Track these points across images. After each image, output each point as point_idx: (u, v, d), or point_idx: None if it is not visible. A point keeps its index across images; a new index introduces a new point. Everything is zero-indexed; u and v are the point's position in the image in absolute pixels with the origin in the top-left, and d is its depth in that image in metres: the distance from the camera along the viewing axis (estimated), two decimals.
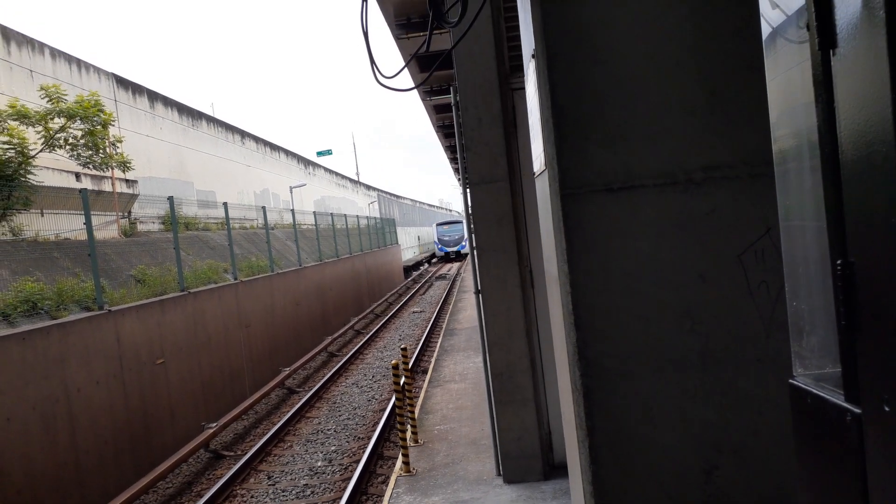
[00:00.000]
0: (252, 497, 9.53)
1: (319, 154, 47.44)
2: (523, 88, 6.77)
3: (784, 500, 2.85)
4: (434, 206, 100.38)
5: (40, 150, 13.76)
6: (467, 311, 21.98)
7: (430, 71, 4.87)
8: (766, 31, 1.86)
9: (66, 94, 14.24)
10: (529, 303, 6.94)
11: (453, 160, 29.05)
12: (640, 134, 2.88)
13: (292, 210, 26.24)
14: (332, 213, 31.24)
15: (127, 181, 18.60)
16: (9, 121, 13.23)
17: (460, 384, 11.99)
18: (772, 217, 2.83)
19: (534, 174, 3.90)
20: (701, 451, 2.88)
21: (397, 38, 10.97)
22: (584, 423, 2.92)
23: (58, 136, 14.18)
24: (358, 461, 10.09)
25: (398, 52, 12.05)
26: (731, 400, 2.86)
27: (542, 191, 3.39)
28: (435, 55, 6.25)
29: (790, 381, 1.68)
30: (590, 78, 2.89)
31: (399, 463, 7.96)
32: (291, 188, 34.60)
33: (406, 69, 6.27)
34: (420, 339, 19.92)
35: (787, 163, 1.66)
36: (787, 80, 1.76)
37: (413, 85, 11.44)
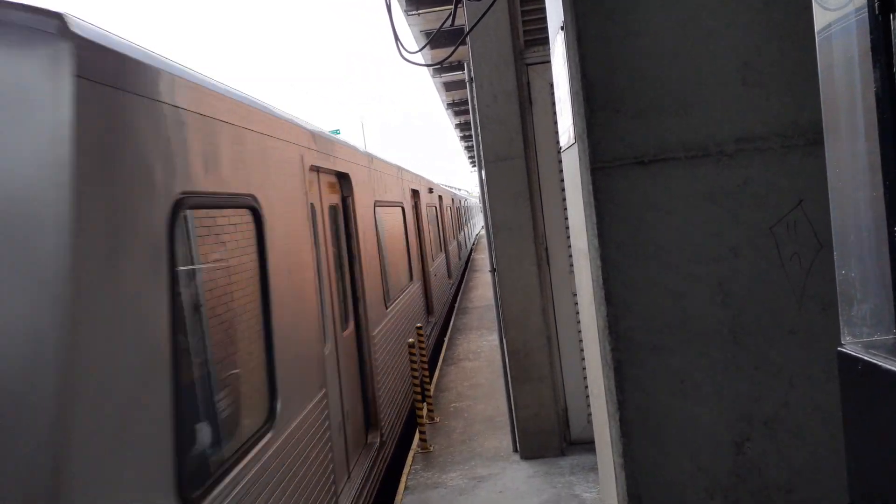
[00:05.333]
0: None
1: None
2: (539, 63, 6.72)
3: (814, 471, 2.86)
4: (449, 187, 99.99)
5: None
6: (478, 289, 21.99)
7: (454, 46, 4.83)
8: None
9: None
10: (545, 280, 6.94)
11: (464, 138, 28.93)
12: (671, 106, 2.85)
13: None
14: None
15: None
16: None
17: (474, 362, 12.03)
18: (804, 189, 2.81)
19: (560, 149, 3.88)
20: (732, 423, 2.88)
21: (407, 14, 10.90)
22: (614, 396, 2.93)
23: None
24: None
25: (407, 29, 11.98)
26: (762, 372, 2.86)
27: (571, 165, 3.37)
28: (448, 31, 6.21)
29: (839, 348, 1.67)
30: (620, 50, 2.86)
31: (416, 440, 8.02)
32: None
33: (419, 46, 6.24)
34: None
35: (839, 128, 1.64)
36: (831, 47, 1.73)
37: (425, 61, 11.38)
